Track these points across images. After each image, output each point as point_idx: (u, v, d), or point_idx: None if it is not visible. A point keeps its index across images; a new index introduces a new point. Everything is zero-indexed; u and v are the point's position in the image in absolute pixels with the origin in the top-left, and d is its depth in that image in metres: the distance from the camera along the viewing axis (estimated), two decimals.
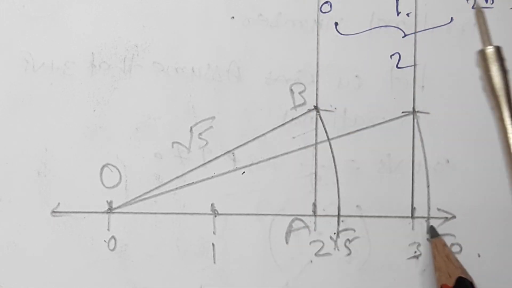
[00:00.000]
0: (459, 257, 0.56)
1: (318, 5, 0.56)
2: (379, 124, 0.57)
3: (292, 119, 0.56)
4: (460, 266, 0.54)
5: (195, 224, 0.56)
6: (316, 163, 0.56)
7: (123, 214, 0.55)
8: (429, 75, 0.57)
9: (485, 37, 0.33)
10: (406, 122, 0.57)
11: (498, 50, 0.33)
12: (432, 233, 0.56)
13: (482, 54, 0.33)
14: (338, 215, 0.56)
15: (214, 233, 0.56)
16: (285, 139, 0.56)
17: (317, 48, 0.56)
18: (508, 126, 0.32)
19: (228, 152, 0.56)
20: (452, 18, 0.57)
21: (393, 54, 0.57)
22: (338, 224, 0.56)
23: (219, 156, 0.56)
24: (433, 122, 0.57)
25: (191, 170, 0.56)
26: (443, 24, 0.57)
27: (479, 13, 0.33)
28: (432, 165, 0.57)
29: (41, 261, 0.54)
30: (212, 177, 0.56)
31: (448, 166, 0.57)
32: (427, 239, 0.56)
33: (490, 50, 0.33)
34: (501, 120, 0.32)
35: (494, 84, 0.33)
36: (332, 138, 0.56)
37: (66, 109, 0.55)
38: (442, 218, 0.57)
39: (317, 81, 0.56)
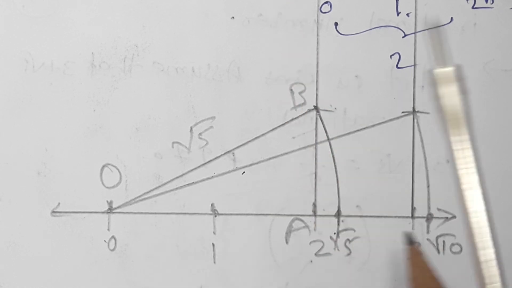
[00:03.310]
0: (459, 257, 0.56)
1: (318, 5, 0.56)
2: (379, 124, 0.57)
3: (292, 119, 0.56)
4: (438, 277, 0.52)
5: (195, 224, 0.56)
6: (316, 163, 0.56)
7: (123, 214, 0.55)
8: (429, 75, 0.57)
9: (440, 57, 0.32)
10: (406, 122, 0.57)
11: (456, 70, 0.31)
12: (409, 240, 0.54)
13: (438, 74, 0.31)
14: (338, 215, 0.56)
15: (214, 233, 0.56)
16: (285, 139, 0.56)
17: (317, 48, 0.56)
18: (465, 148, 0.31)
19: (228, 152, 0.56)
20: (452, 18, 0.57)
21: (393, 54, 0.57)
22: (338, 224, 0.56)
23: (219, 156, 0.56)
24: (433, 122, 0.57)
25: (191, 170, 0.56)
26: (443, 24, 0.57)
27: (434, 33, 0.32)
28: (432, 165, 0.57)
29: (41, 261, 0.54)
30: (212, 177, 0.56)
31: (448, 166, 0.57)
32: (405, 247, 0.55)
33: (447, 70, 0.32)
34: (457, 142, 0.31)
35: (451, 106, 0.31)
36: (332, 138, 0.56)
37: (66, 109, 0.55)
38: (442, 218, 0.57)
39: (317, 81, 0.56)
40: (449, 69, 0.31)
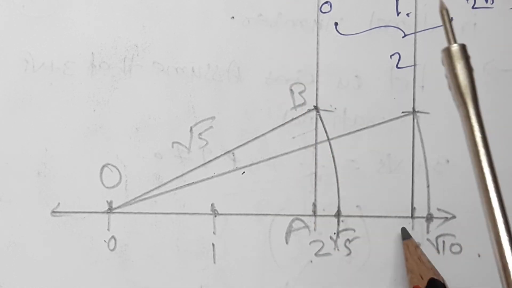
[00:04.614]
0: (459, 257, 0.56)
1: (318, 5, 0.56)
2: (379, 124, 0.57)
3: (292, 119, 0.56)
4: (432, 268, 0.54)
5: (195, 224, 0.56)
6: (316, 163, 0.56)
7: (123, 214, 0.55)
8: (429, 75, 0.57)
9: (450, 35, 0.33)
10: (406, 122, 0.57)
11: (463, 48, 0.33)
12: (404, 234, 0.56)
13: (447, 52, 0.33)
14: (338, 215, 0.56)
15: (214, 233, 0.56)
16: (285, 139, 0.56)
17: (317, 48, 0.56)
18: (474, 124, 0.33)
19: (228, 152, 0.56)
20: (452, 18, 0.57)
21: (393, 54, 0.57)
22: (338, 224, 0.56)
23: (219, 156, 0.56)
24: (433, 122, 0.57)
25: (191, 170, 0.56)
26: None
27: (443, 11, 0.34)
28: (432, 165, 0.57)
29: (41, 261, 0.54)
30: (212, 177, 0.56)
31: (448, 166, 0.57)
32: (403, 240, 0.56)
33: (455, 48, 0.33)
34: (467, 118, 0.33)
35: (460, 82, 0.33)
36: (332, 138, 0.56)
37: (66, 109, 0.55)
38: (442, 218, 0.57)
39: (317, 81, 0.56)
40: (460, 46, 0.33)
